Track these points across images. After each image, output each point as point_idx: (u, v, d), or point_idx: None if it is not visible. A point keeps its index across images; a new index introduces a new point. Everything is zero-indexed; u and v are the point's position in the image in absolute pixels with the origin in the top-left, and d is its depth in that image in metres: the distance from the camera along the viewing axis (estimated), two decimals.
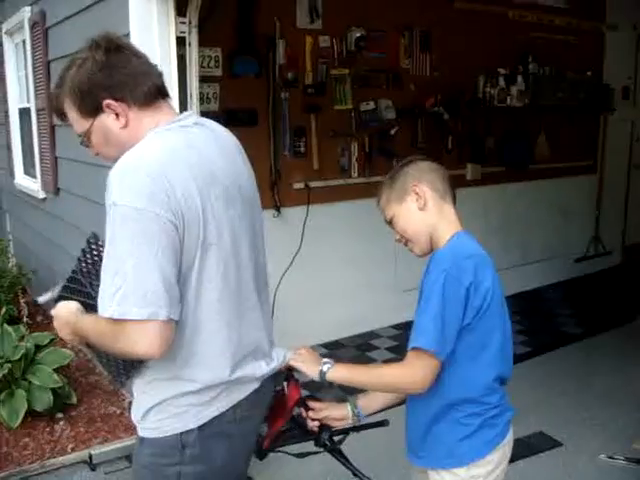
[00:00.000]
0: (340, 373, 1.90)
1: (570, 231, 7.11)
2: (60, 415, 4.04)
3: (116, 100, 1.64)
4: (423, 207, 1.87)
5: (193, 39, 3.25)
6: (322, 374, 1.89)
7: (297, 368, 1.93)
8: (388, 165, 2.19)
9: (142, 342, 1.49)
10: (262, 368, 1.78)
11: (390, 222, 1.96)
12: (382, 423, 2.07)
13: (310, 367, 1.92)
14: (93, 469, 3.56)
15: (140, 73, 1.67)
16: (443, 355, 1.75)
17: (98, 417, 4.06)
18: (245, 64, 4.63)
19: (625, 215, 7.84)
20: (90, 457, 3.60)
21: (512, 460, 3.49)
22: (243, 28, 4.61)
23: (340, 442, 2.03)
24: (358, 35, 5.08)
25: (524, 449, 3.65)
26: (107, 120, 1.66)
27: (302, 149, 5.02)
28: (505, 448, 1.93)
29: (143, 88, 1.66)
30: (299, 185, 5.04)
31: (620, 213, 7.79)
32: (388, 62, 5.41)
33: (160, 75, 1.74)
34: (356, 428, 2.06)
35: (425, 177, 1.89)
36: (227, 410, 1.69)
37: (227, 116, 4.45)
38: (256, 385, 1.76)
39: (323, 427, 2.02)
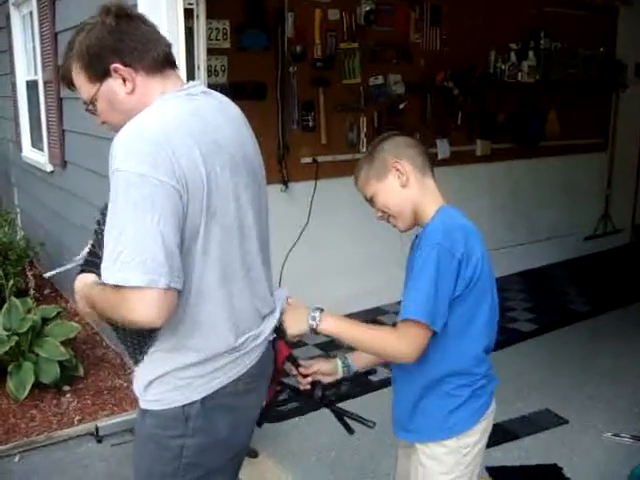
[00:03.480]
0: (330, 325, 1.84)
1: (579, 209, 7.07)
2: (67, 387, 4.07)
3: (124, 65, 1.62)
4: (405, 183, 1.88)
5: (201, 11, 3.21)
6: (312, 331, 1.85)
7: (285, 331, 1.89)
8: None
9: (140, 309, 1.46)
10: (263, 335, 1.77)
11: (370, 200, 1.95)
12: (368, 424, 2.07)
13: (297, 326, 1.87)
14: (99, 441, 3.58)
15: (149, 40, 1.65)
16: (436, 326, 1.74)
17: (104, 390, 4.09)
18: (253, 37, 4.59)
19: (636, 194, 7.79)
20: (96, 429, 3.61)
21: (518, 437, 3.54)
22: (252, 0, 4.56)
23: (334, 395, 2.05)
24: (368, 9, 5.04)
25: (530, 426, 3.66)
26: (114, 85, 1.64)
27: (310, 123, 4.98)
28: (490, 417, 1.96)
29: (153, 54, 1.65)
30: (307, 159, 5.01)
31: (631, 191, 7.74)
32: (398, 36, 5.35)
33: (169, 45, 1.72)
34: (346, 414, 2.09)
35: (404, 153, 1.89)
36: (230, 382, 1.69)
37: (235, 89, 4.41)
38: (258, 353, 1.75)
39: (315, 383, 2.04)
